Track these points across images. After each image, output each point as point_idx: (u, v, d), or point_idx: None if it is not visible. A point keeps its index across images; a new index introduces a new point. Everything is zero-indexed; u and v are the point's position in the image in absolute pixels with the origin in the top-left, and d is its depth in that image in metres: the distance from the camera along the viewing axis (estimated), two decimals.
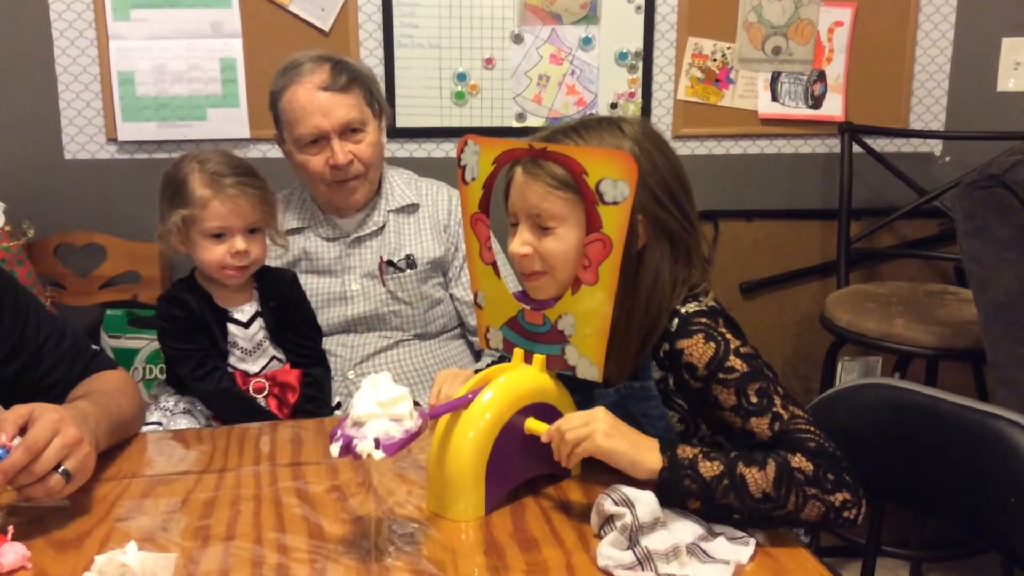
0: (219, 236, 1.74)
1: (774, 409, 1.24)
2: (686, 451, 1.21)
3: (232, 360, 1.81)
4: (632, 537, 1.12)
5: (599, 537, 1.16)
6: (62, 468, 1.17)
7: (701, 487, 1.18)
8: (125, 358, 2.41)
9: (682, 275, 1.33)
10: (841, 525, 1.21)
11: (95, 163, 2.56)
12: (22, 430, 1.16)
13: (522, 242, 1.31)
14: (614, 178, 1.19)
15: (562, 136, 1.32)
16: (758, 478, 1.17)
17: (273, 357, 1.85)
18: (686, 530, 1.17)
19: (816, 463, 1.19)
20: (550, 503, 1.26)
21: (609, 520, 1.16)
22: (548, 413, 1.27)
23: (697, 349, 1.27)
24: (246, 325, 1.81)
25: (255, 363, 1.83)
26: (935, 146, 2.79)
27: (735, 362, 1.26)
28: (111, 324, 2.46)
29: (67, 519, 1.20)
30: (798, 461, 1.18)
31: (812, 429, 1.23)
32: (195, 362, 1.77)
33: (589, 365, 1.27)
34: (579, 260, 1.26)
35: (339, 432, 1.13)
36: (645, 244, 1.30)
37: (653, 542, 1.12)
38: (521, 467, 1.28)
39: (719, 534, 1.18)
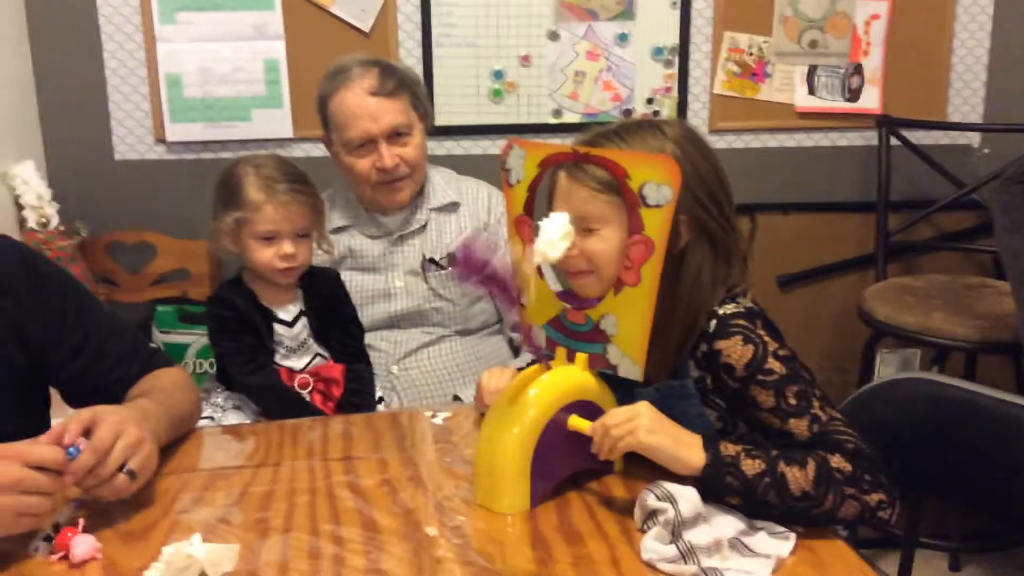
0: (269, 239, 1.80)
1: (812, 411, 1.26)
2: (728, 449, 1.23)
3: (277, 357, 1.86)
4: (675, 531, 1.16)
5: (642, 531, 1.20)
6: (126, 468, 1.22)
7: (743, 484, 1.20)
8: (176, 353, 2.48)
9: (721, 275, 1.36)
10: (875, 525, 1.23)
11: (144, 163, 2.64)
12: (86, 432, 1.21)
13: (568, 241, 1.34)
14: (657, 182, 1.23)
15: (604, 140, 1.35)
16: (798, 476, 1.20)
17: (317, 354, 1.89)
18: (727, 524, 1.20)
19: (854, 464, 1.21)
20: (594, 498, 1.30)
21: (652, 515, 1.20)
22: (591, 410, 1.31)
23: (735, 351, 1.29)
24: (291, 324, 1.87)
25: (300, 360, 1.88)
26: (973, 138, 2.78)
27: (774, 364, 1.28)
28: (162, 320, 2.53)
29: (132, 512, 1.26)
30: (837, 461, 1.21)
31: (849, 431, 1.25)
32: (243, 359, 1.83)
33: (631, 364, 1.30)
34: (623, 260, 1.30)
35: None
36: (687, 244, 1.33)
37: (695, 536, 1.16)
38: (565, 462, 1.31)
39: (760, 528, 1.21)
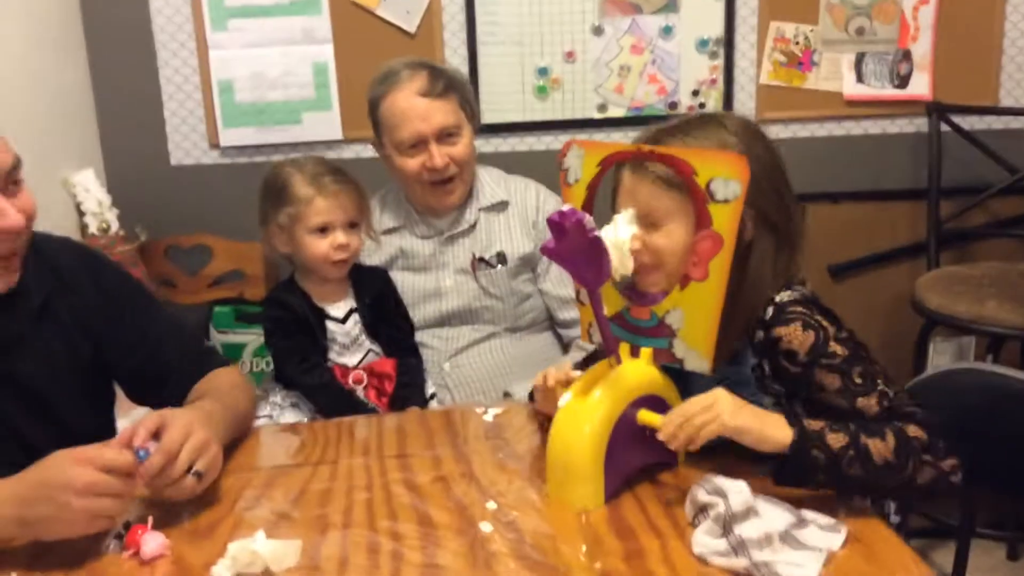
0: (323, 231, 1.86)
1: (880, 388, 1.29)
2: (812, 424, 1.25)
3: (332, 355, 1.91)
4: (725, 526, 1.17)
5: (693, 526, 1.21)
6: (194, 469, 1.26)
7: (828, 458, 1.22)
8: (233, 352, 2.55)
9: (783, 265, 1.38)
10: (947, 491, 1.27)
11: (199, 168, 2.70)
12: (154, 435, 1.26)
13: (632, 236, 1.36)
14: (725, 177, 1.25)
15: (667, 136, 1.38)
16: (880, 448, 1.23)
17: (369, 350, 1.94)
18: (778, 518, 1.21)
19: (928, 432, 1.25)
20: (645, 493, 1.32)
21: (703, 509, 1.21)
22: (658, 405, 1.33)
23: (796, 337, 1.32)
24: (342, 321, 1.92)
25: (353, 356, 1.92)
26: None
27: (836, 347, 1.31)
28: (219, 320, 2.60)
29: (198, 510, 1.31)
30: (913, 430, 1.25)
31: (915, 404, 1.29)
32: (298, 358, 1.88)
33: (698, 358, 1.33)
34: (687, 255, 1.32)
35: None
36: (753, 238, 1.36)
37: (746, 530, 1.17)
38: (636, 456, 1.34)
39: (811, 521, 1.21)
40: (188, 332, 1.65)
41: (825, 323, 1.33)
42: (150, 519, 1.23)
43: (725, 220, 1.26)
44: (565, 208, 1.18)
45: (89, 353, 1.48)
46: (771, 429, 1.24)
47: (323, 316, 1.92)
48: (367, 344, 1.94)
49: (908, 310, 2.49)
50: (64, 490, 1.16)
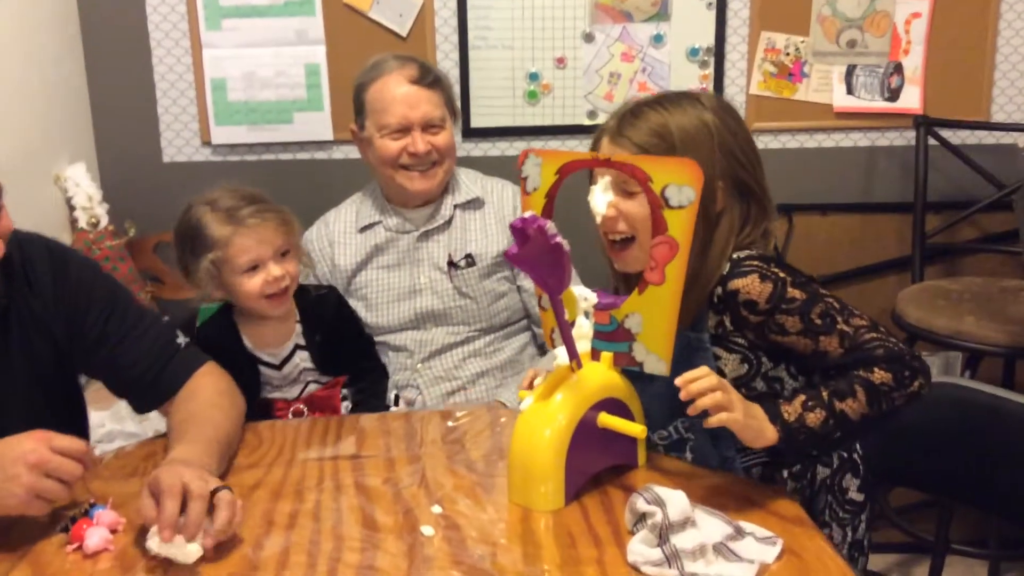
0: (252, 269, 1.73)
1: (839, 327, 1.35)
2: (790, 412, 1.31)
3: (267, 391, 1.83)
4: (662, 535, 1.18)
5: (632, 534, 1.23)
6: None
7: (813, 437, 1.31)
8: None
9: (751, 234, 1.42)
10: (917, 399, 1.36)
11: (191, 165, 2.73)
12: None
13: (607, 204, 1.39)
14: (679, 183, 1.27)
15: (646, 108, 1.42)
16: (854, 406, 1.31)
17: (310, 381, 1.86)
18: (715, 529, 1.22)
19: (892, 369, 1.33)
20: (590, 500, 1.33)
21: (642, 518, 1.22)
22: (618, 408, 1.36)
23: (754, 287, 1.35)
24: (279, 367, 1.83)
25: (292, 390, 1.85)
26: (1018, 138, 2.72)
27: (794, 292, 1.35)
28: (205, 316, 2.61)
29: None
30: (879, 376, 1.32)
31: (875, 335, 1.35)
32: None
33: (657, 361, 1.36)
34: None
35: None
36: (723, 208, 1.40)
37: (682, 541, 1.18)
38: (596, 459, 1.36)
39: (748, 533, 1.23)
40: (159, 329, 1.60)
41: (783, 274, 1.36)
42: (98, 513, 1.25)
43: (680, 226, 1.29)
44: (527, 214, 1.20)
45: (49, 354, 1.48)
46: (762, 425, 1.29)
47: (256, 361, 1.81)
48: (307, 377, 1.86)
49: (892, 324, 2.49)
50: (15, 462, 1.19)
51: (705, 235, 1.37)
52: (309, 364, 1.86)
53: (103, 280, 1.58)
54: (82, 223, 2.48)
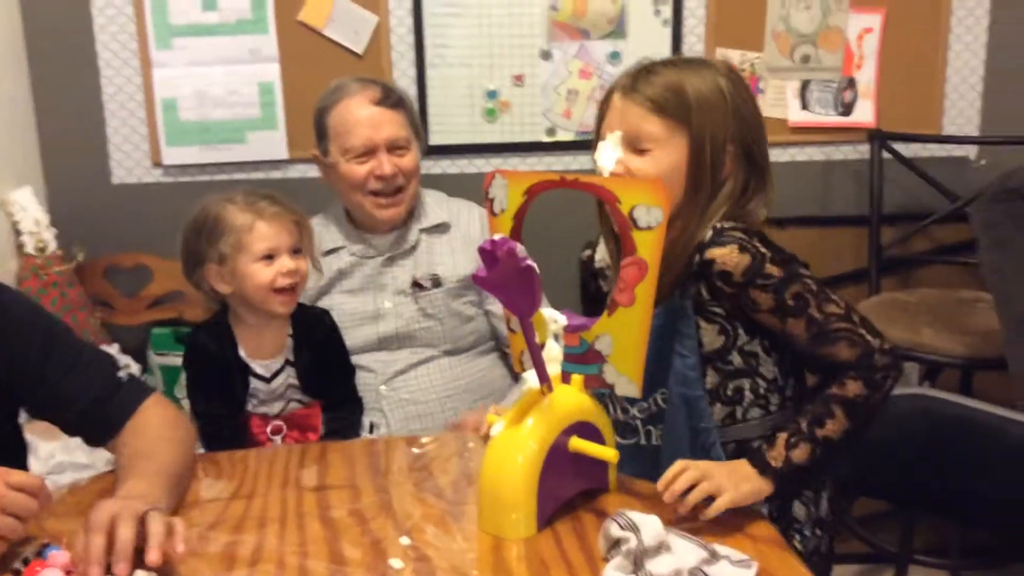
0: (268, 257, 1.77)
1: (809, 311, 1.34)
2: (776, 458, 1.32)
3: (250, 405, 1.82)
4: (636, 561, 1.17)
5: (606, 560, 1.21)
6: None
7: (804, 473, 1.33)
8: (172, 375, 2.51)
9: (749, 207, 1.42)
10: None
11: (141, 187, 2.66)
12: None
13: (616, 161, 1.38)
14: (647, 204, 1.26)
15: (660, 66, 1.42)
16: (835, 428, 1.33)
17: (292, 400, 1.86)
18: (690, 553, 1.20)
19: (862, 375, 1.33)
20: (563, 527, 1.31)
21: (616, 544, 1.20)
22: (589, 431, 1.34)
23: (731, 259, 1.34)
24: (268, 380, 1.84)
25: (273, 406, 1.85)
26: (970, 150, 2.77)
27: (772, 269, 1.34)
28: (158, 342, 2.56)
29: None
30: (852, 388, 1.33)
31: (845, 325, 1.34)
32: (213, 428, 1.79)
33: (628, 383, 1.34)
34: (675, 188, 1.37)
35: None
36: (729, 174, 1.40)
37: (657, 566, 1.16)
38: (568, 484, 1.34)
39: (723, 557, 1.21)
40: (103, 364, 1.52)
41: (763, 249, 1.35)
42: (52, 554, 1.20)
43: (648, 247, 1.27)
44: (497, 237, 1.18)
45: None
46: (756, 483, 1.31)
47: (248, 372, 1.81)
48: (290, 395, 1.86)
49: None
50: None
51: (708, 197, 1.38)
52: (295, 381, 1.85)
53: (41, 317, 1.50)
54: (29, 248, 2.41)
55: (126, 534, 1.12)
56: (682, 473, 1.27)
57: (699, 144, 1.39)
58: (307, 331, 1.88)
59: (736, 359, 1.42)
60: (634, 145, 1.38)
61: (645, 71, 1.41)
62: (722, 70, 1.43)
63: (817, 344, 1.35)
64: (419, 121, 2.16)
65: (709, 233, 1.37)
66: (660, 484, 1.27)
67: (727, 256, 1.34)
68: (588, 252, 1.64)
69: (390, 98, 2.05)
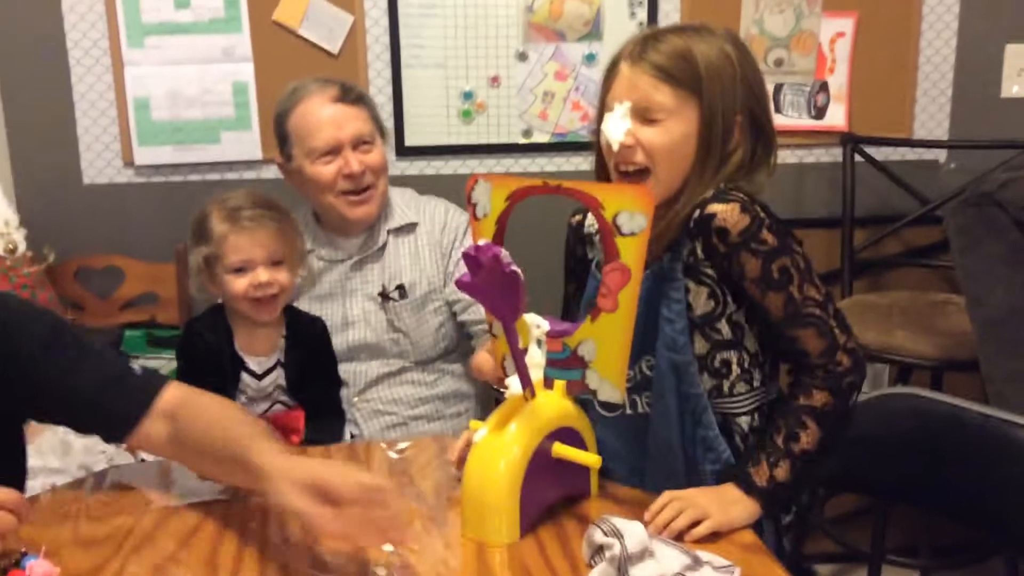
0: (241, 270, 1.77)
1: (790, 289, 1.34)
2: (760, 477, 1.33)
3: (239, 401, 1.82)
4: (621, 567, 1.17)
5: (590, 566, 1.21)
6: None
7: (788, 489, 1.35)
8: None
9: (753, 175, 1.42)
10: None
11: (113, 187, 2.63)
12: None
13: (625, 132, 1.36)
14: (631, 211, 1.25)
15: (667, 33, 1.40)
16: (810, 439, 1.35)
17: (277, 401, 1.86)
18: (673, 559, 1.21)
19: (827, 384, 1.35)
20: (546, 533, 1.31)
21: (599, 550, 1.21)
22: (572, 437, 1.34)
23: (732, 216, 1.32)
24: (259, 377, 1.84)
25: (258, 406, 1.84)
26: (940, 154, 2.80)
27: (767, 236, 1.33)
28: (131, 344, 2.53)
29: (85, 550, 1.26)
30: (819, 399, 1.35)
31: (818, 313, 1.35)
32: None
33: (611, 388, 1.34)
34: (685, 159, 1.37)
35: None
36: (737, 144, 1.39)
37: (641, 572, 1.17)
38: (551, 490, 1.34)
39: (705, 563, 1.22)
40: (111, 357, 1.49)
41: (763, 214, 1.34)
42: (30, 564, 1.18)
43: (632, 253, 1.27)
44: (481, 242, 1.17)
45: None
46: (746, 505, 1.33)
47: (241, 366, 1.82)
48: (276, 396, 1.86)
49: None
50: None
51: (714, 173, 1.37)
52: (283, 382, 1.85)
53: (42, 312, 1.48)
54: None
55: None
56: (668, 504, 1.28)
57: (711, 114, 1.36)
58: (300, 334, 1.88)
59: (724, 329, 1.40)
60: (644, 115, 1.36)
61: (652, 38, 1.39)
62: (729, 39, 1.41)
63: (788, 324, 1.35)
64: (380, 116, 2.11)
65: (711, 192, 1.36)
66: (647, 516, 1.29)
67: (728, 212, 1.32)
68: (579, 216, 1.59)
69: (350, 95, 2.02)
